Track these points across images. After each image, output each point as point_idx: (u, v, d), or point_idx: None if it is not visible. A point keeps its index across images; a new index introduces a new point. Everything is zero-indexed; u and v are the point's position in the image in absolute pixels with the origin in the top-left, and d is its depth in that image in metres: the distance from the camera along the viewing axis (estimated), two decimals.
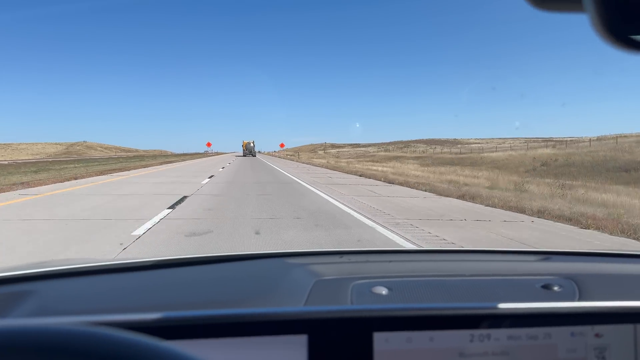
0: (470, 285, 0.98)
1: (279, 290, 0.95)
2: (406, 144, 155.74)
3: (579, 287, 0.96)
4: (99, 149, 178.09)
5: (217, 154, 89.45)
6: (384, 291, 0.92)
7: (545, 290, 0.95)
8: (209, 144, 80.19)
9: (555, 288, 0.95)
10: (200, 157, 61.82)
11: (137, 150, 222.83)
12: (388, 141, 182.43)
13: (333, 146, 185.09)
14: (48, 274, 1.02)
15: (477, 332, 0.78)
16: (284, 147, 65.62)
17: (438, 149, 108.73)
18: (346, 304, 0.87)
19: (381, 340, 0.75)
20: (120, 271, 1.09)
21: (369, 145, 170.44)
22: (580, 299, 0.92)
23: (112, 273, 1.08)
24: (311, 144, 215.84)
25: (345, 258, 1.23)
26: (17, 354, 0.33)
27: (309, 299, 0.88)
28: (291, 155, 78.92)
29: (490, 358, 0.78)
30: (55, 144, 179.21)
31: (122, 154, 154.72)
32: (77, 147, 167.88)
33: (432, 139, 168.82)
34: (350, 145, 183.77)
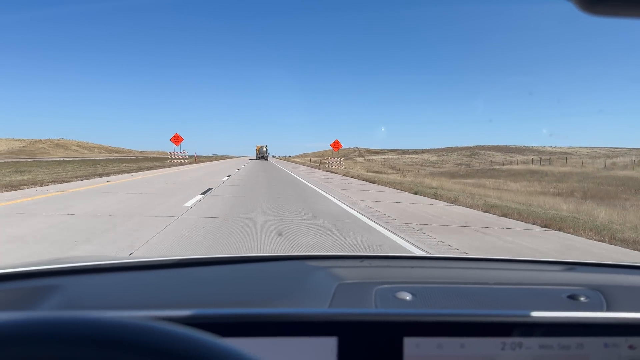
0: (495, 294, 0.95)
1: (303, 291, 0.92)
2: (473, 150, 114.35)
3: (606, 298, 0.93)
4: (74, 147, 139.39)
5: (196, 160, 41.65)
6: (407, 297, 0.89)
7: (572, 300, 0.92)
8: (176, 139, 34.99)
9: (582, 298, 0.92)
10: (160, 169, 22.93)
11: (130, 152, 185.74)
12: (440, 147, 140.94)
13: (369, 152, 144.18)
14: (68, 270, 1.02)
15: (508, 340, 0.76)
16: (341, 148, 23.67)
17: (529, 156, 72.82)
18: (371, 308, 0.84)
19: (412, 345, 0.73)
20: (141, 269, 1.08)
21: (422, 151, 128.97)
22: (608, 309, 0.89)
23: (133, 270, 1.07)
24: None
25: (366, 262, 1.21)
26: (100, 347, 0.32)
27: (333, 301, 0.86)
28: (316, 162, 36.23)
29: None
30: (13, 139, 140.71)
31: (105, 154, 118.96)
32: (41, 145, 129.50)
33: (503, 146, 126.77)
34: (396, 151, 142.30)
